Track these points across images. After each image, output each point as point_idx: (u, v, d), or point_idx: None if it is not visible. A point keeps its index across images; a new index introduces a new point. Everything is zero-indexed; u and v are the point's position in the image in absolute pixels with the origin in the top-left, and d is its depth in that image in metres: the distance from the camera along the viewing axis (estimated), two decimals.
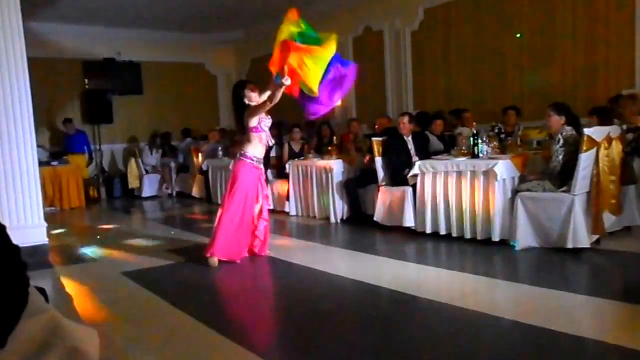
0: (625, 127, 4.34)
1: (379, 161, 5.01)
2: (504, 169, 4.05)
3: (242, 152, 3.97)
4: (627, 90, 4.97)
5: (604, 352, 2.21)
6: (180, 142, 9.55)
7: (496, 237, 4.02)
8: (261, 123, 3.94)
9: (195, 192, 8.40)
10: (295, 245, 4.73)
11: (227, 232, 3.91)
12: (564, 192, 3.77)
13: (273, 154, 6.75)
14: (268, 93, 3.93)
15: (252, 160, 3.95)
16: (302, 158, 6.30)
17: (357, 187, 5.53)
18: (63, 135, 8.89)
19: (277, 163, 6.79)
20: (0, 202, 4.23)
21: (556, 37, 5.71)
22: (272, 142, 4.25)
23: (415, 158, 4.91)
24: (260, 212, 4.10)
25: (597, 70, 5.43)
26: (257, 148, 3.96)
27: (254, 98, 3.97)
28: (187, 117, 9.87)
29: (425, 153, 5.02)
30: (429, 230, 4.45)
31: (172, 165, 9.05)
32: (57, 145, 8.86)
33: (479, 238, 4.13)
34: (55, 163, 8.07)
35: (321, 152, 6.36)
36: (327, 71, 3.65)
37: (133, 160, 9.14)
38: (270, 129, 4.06)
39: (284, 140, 7.08)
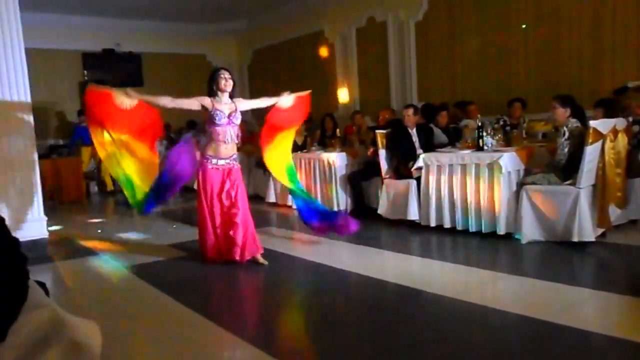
0: (631, 119, 4.30)
1: (382, 154, 4.97)
2: (509, 161, 4.02)
3: (202, 152, 3.72)
4: (633, 82, 4.92)
5: (609, 345, 2.20)
6: (183, 134, 9.44)
7: (501, 230, 4.00)
8: (215, 117, 3.60)
9: (197, 185, 8.33)
10: (297, 239, 4.71)
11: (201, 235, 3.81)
12: (569, 185, 3.75)
13: None
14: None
15: (209, 159, 3.67)
16: (304, 151, 6.25)
17: (361, 180, 5.50)
18: (71, 126, 8.80)
19: None
20: None
21: (561, 29, 5.65)
22: (234, 139, 3.72)
23: (419, 150, 4.87)
24: (228, 213, 3.70)
25: (602, 61, 5.37)
26: (212, 145, 3.66)
27: (222, 85, 3.65)
28: (188, 110, 9.78)
29: (430, 145, 4.98)
30: (433, 224, 4.43)
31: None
32: (55, 137, 8.80)
33: (483, 231, 4.10)
34: (54, 156, 8.02)
35: (324, 145, 6.30)
36: None
37: None
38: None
39: None
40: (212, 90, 3.71)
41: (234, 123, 3.68)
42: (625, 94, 4.63)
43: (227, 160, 3.73)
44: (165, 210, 7.13)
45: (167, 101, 3.58)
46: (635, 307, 2.61)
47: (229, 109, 3.68)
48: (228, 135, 3.65)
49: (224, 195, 3.70)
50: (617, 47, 5.26)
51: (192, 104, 3.65)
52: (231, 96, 3.75)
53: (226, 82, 3.68)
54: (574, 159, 3.75)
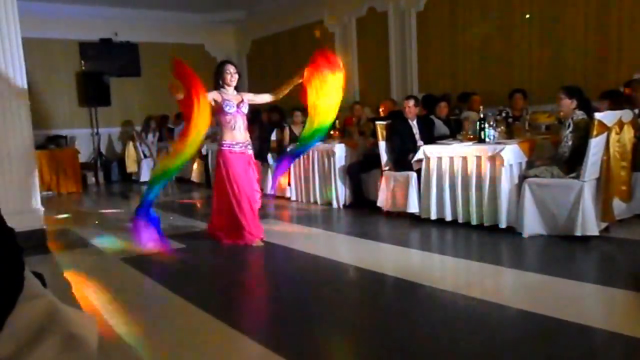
0: (637, 111, 4.23)
1: (382, 145, 4.90)
2: (511, 153, 3.95)
3: (219, 142, 3.99)
4: (639, 74, 4.83)
5: (612, 341, 2.15)
6: (176, 126, 9.36)
7: (503, 224, 3.94)
8: (225, 106, 3.84)
9: (195, 176, 8.30)
10: (295, 231, 4.66)
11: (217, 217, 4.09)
12: (572, 178, 3.68)
13: (273, 137, 6.62)
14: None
15: (228, 146, 3.90)
16: None
17: (360, 171, 5.44)
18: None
19: (277, 147, 6.66)
20: None
21: (566, 18, 5.55)
22: (245, 127, 4.01)
23: (419, 142, 4.81)
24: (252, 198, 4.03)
25: (608, 52, 5.27)
26: (226, 133, 3.90)
27: (228, 80, 3.91)
28: None
29: (430, 137, 4.91)
30: (433, 217, 4.37)
31: (170, 149, 8.91)
32: (53, 128, 8.73)
33: (485, 224, 4.05)
34: (52, 146, 7.96)
35: None
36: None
37: (131, 144, 9.02)
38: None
39: (284, 124, 6.94)
40: (217, 84, 3.93)
41: (242, 112, 3.93)
42: (631, 86, 4.55)
43: (244, 145, 3.95)
44: (162, 202, 7.08)
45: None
46: (638, 303, 2.56)
47: (236, 99, 3.93)
48: (239, 122, 3.91)
49: (248, 181, 3.95)
50: (623, 38, 5.15)
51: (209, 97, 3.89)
52: (236, 89, 3.99)
53: (232, 77, 3.92)
54: (578, 152, 3.69)
